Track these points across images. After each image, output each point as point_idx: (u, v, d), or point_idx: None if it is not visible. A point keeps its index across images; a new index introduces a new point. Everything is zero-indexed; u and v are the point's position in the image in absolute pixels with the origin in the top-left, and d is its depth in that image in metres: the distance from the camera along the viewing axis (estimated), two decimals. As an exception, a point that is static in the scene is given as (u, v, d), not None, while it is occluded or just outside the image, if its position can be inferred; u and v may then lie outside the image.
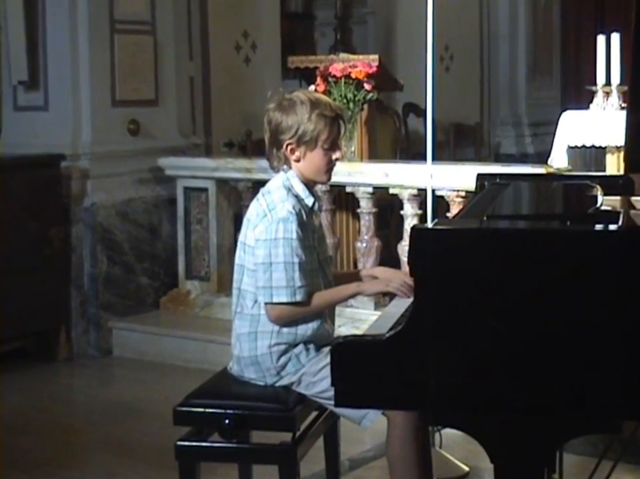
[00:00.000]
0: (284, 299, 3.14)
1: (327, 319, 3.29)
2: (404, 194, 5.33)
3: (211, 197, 6.05)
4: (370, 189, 5.49)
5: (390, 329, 2.69)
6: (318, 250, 3.27)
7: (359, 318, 5.34)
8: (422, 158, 4.51)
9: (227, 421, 3.11)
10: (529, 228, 2.65)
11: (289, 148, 3.21)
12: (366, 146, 5.84)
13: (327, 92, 5.49)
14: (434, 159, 4.28)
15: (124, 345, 5.96)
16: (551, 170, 5.08)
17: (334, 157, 3.24)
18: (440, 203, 5.04)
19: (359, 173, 5.46)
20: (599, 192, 3.08)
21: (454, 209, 5.03)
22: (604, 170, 5.57)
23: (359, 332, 4.20)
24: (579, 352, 2.41)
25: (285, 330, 3.20)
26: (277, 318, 3.18)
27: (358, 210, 5.60)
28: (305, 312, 3.18)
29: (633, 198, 3.30)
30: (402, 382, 2.50)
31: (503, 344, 2.44)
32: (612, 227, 2.55)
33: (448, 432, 3.99)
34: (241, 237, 3.29)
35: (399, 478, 3.11)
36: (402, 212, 5.39)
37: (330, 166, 3.26)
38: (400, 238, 5.41)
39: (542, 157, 6.57)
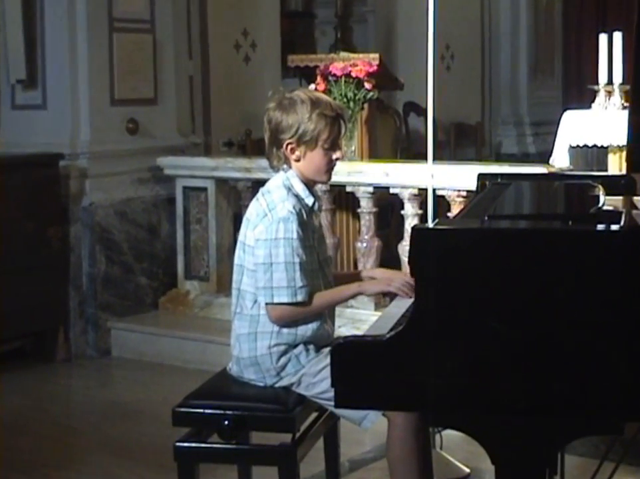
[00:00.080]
0: (285, 300, 3.13)
1: (327, 320, 3.28)
2: (405, 194, 5.32)
3: (210, 196, 6.04)
4: (370, 189, 5.48)
5: (391, 330, 2.69)
6: (318, 250, 3.27)
7: (359, 318, 5.33)
8: (423, 157, 4.50)
9: (226, 422, 3.10)
10: (530, 228, 2.64)
11: (289, 147, 3.20)
12: (366, 146, 5.82)
13: (327, 91, 5.48)
14: (434, 158, 4.28)
15: (122, 346, 5.95)
16: (552, 170, 5.08)
17: (334, 157, 3.23)
18: (441, 203, 5.04)
19: (359, 173, 5.45)
20: (600, 192, 3.08)
21: (455, 209, 5.02)
22: (606, 170, 5.56)
23: (359, 332, 4.19)
24: (580, 353, 2.41)
25: (284, 330, 3.19)
26: (278, 318, 3.17)
27: (359, 210, 5.58)
28: (306, 312, 3.17)
29: (635, 198, 3.30)
30: (403, 383, 2.50)
31: (504, 345, 2.44)
32: (614, 227, 2.54)
33: (448, 433, 3.98)
34: (240, 237, 3.28)
35: (399, 479, 3.10)
36: (402, 212, 5.38)
37: (330, 166, 3.25)
38: (401, 238, 5.40)
39: (544, 156, 6.56)
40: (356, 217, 5.72)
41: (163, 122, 6.31)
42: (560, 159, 5.62)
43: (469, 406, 2.49)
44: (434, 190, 4.39)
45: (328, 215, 5.59)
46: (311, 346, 3.22)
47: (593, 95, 5.84)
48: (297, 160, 3.21)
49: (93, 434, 4.73)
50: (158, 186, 6.26)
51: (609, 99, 5.72)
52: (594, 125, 5.58)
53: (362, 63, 5.62)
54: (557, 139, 5.73)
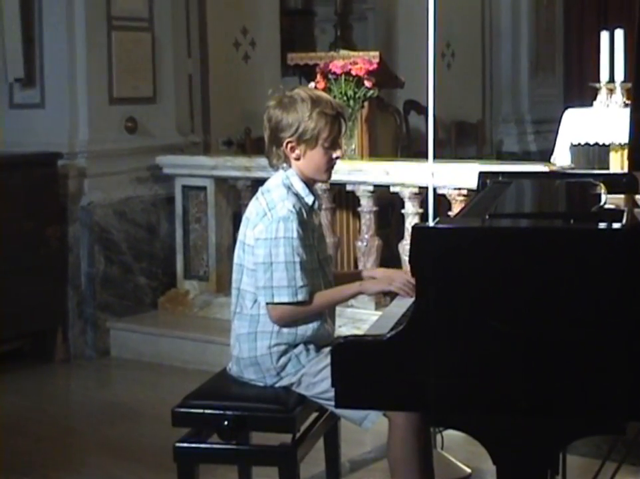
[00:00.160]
0: (285, 299, 3.13)
1: (327, 319, 3.28)
2: (405, 192, 5.32)
3: (209, 195, 6.03)
4: (370, 188, 5.47)
5: (391, 329, 2.69)
6: (318, 249, 3.27)
7: (360, 318, 5.32)
8: (423, 155, 4.49)
9: (226, 422, 3.10)
10: (531, 227, 2.64)
11: (289, 146, 3.20)
12: (366, 144, 5.82)
13: (327, 90, 5.47)
14: (435, 157, 4.27)
15: (121, 346, 5.94)
16: (554, 168, 5.08)
17: (334, 155, 3.23)
18: (442, 201, 5.04)
19: (359, 172, 5.44)
20: (602, 190, 3.08)
21: (456, 208, 5.01)
22: (607, 168, 5.55)
23: (360, 332, 4.20)
24: (581, 352, 2.40)
25: (284, 330, 3.19)
26: (278, 318, 3.17)
27: (359, 209, 5.58)
28: (306, 312, 3.17)
29: (637, 196, 3.28)
30: (404, 383, 2.50)
31: (505, 344, 2.43)
32: (616, 225, 2.53)
33: (449, 433, 3.98)
34: (240, 236, 3.28)
35: (400, 480, 3.09)
36: (403, 211, 5.38)
37: (330, 165, 3.25)
38: (401, 237, 5.40)
39: (545, 155, 6.55)
40: (357, 216, 5.72)
41: (162, 121, 6.30)
42: (561, 158, 5.60)
43: (470, 406, 2.48)
44: (434, 189, 4.39)
45: (329, 214, 5.58)
46: (311, 346, 3.21)
47: (595, 93, 5.83)
48: (297, 159, 3.21)
49: (92, 434, 4.72)
50: (157, 185, 6.25)
51: (610, 97, 5.71)
52: (595, 123, 5.57)
53: (362, 61, 5.61)
54: (558, 137, 5.72)
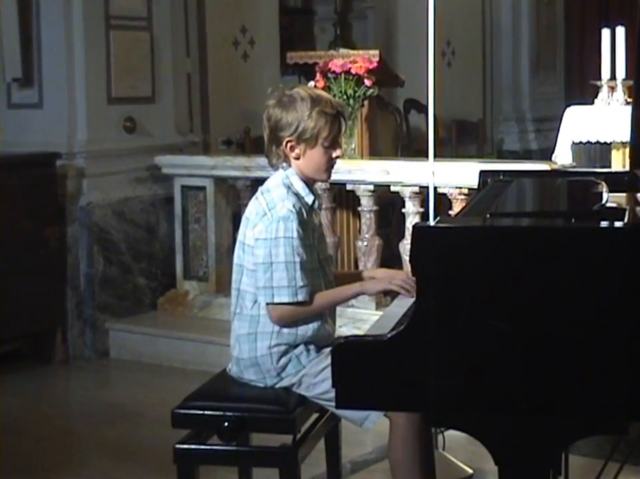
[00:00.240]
0: (285, 299, 3.12)
1: (328, 319, 3.28)
2: (406, 192, 5.31)
3: (209, 195, 6.02)
4: (370, 187, 5.46)
5: (392, 329, 2.68)
6: (318, 249, 3.26)
7: (360, 318, 5.31)
8: (424, 154, 4.47)
9: (226, 423, 3.10)
10: (533, 226, 2.63)
11: (289, 145, 3.19)
12: (366, 143, 5.82)
13: (327, 88, 5.46)
14: (435, 156, 4.26)
15: (121, 347, 5.93)
16: (555, 167, 5.07)
17: (334, 155, 3.23)
18: (442, 200, 5.03)
19: (360, 171, 5.43)
20: (604, 189, 3.06)
21: (457, 207, 5.01)
22: (609, 166, 5.55)
23: (360, 332, 4.20)
24: (583, 352, 2.40)
25: (285, 331, 3.18)
26: (278, 318, 3.16)
27: (359, 208, 5.57)
28: (307, 312, 3.17)
29: (639, 195, 3.25)
30: (404, 383, 2.50)
31: (506, 344, 2.43)
32: (618, 224, 2.53)
33: (451, 433, 3.98)
34: (240, 237, 3.27)
35: (402, 481, 3.09)
36: (403, 210, 5.37)
37: (330, 164, 3.25)
38: (402, 236, 5.39)
39: (546, 153, 6.56)
40: (357, 215, 5.71)
41: (161, 121, 6.29)
42: (562, 156, 5.61)
43: (471, 406, 2.48)
44: (435, 188, 4.37)
45: (329, 213, 5.58)
46: (312, 347, 3.21)
47: (596, 91, 5.84)
48: (297, 158, 3.21)
49: (91, 435, 4.72)
50: (156, 185, 6.24)
51: (611, 95, 5.71)
52: (597, 121, 5.58)
53: (362, 60, 5.60)
54: (559, 135, 5.73)
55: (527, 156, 8.91)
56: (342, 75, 5.59)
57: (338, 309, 3.58)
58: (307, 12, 9.77)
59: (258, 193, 3.26)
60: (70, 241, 5.88)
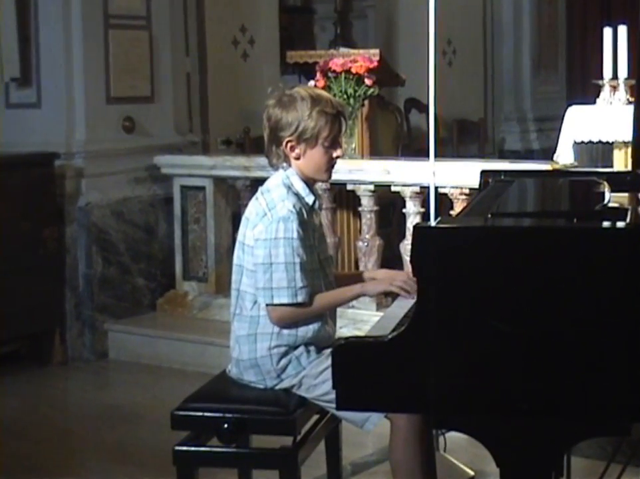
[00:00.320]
0: (285, 300, 3.12)
1: (328, 320, 3.27)
2: (406, 192, 5.30)
3: (208, 196, 6.01)
4: (371, 187, 5.46)
5: (393, 330, 2.68)
6: (318, 250, 3.26)
7: (361, 319, 5.31)
8: (425, 154, 4.46)
9: (226, 425, 3.09)
10: (534, 226, 2.63)
11: (289, 145, 3.19)
12: (367, 143, 5.82)
13: (327, 88, 5.45)
14: (436, 155, 4.25)
15: (119, 348, 5.92)
16: (556, 166, 5.06)
17: (334, 155, 3.22)
18: (443, 200, 5.02)
19: (360, 171, 5.43)
20: (606, 189, 3.06)
21: (458, 207, 5.01)
22: (611, 166, 5.55)
23: (361, 333, 4.19)
24: (585, 353, 2.39)
25: (285, 332, 3.18)
26: (278, 319, 3.16)
27: (360, 208, 5.56)
28: (306, 313, 3.16)
29: (641, 195, 3.25)
30: (405, 385, 2.49)
31: (507, 345, 2.42)
32: (620, 224, 2.52)
33: (452, 435, 3.98)
34: (239, 237, 3.27)
35: (402, 483, 3.08)
36: (404, 210, 5.36)
37: (330, 164, 3.24)
38: (403, 237, 5.38)
39: (547, 153, 6.56)
40: (357, 215, 5.70)
41: (160, 120, 6.28)
42: (564, 156, 5.61)
43: (472, 408, 2.47)
44: (436, 188, 4.36)
45: (329, 214, 5.57)
46: (312, 348, 3.20)
47: (598, 90, 5.83)
48: (297, 158, 3.20)
49: (90, 438, 4.71)
50: (155, 185, 6.23)
51: (613, 94, 5.71)
52: (599, 120, 5.58)
53: (363, 59, 5.60)
54: (561, 135, 5.73)
55: (528, 155, 8.92)
56: (343, 74, 5.58)
57: (339, 310, 3.58)
58: (307, 11, 9.77)
59: (258, 194, 3.25)
60: (69, 242, 5.87)
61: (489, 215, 2.73)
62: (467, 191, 4.98)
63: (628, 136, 5.20)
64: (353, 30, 8.87)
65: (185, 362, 5.56)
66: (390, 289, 3.23)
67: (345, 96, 5.52)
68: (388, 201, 6.00)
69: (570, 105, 5.95)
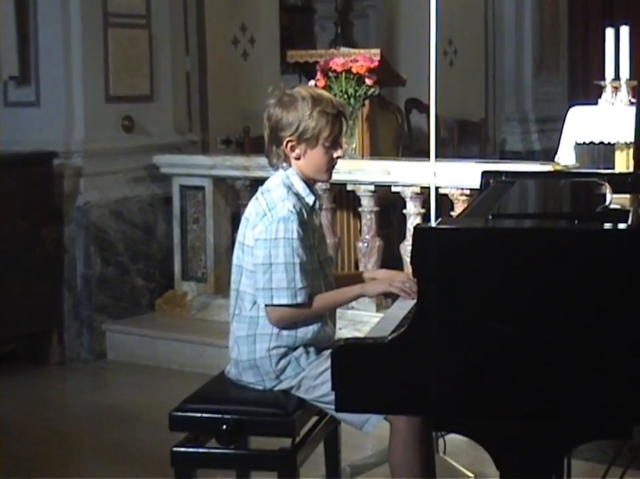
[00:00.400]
0: (284, 301, 3.11)
1: (328, 321, 3.27)
2: (407, 192, 5.29)
3: (208, 195, 6.00)
4: (371, 187, 5.45)
5: (393, 332, 2.69)
6: (318, 250, 3.25)
7: (361, 320, 5.30)
8: (425, 155, 4.45)
9: (224, 426, 3.09)
10: (535, 227, 2.63)
11: (289, 145, 3.18)
12: (367, 143, 5.81)
13: (327, 88, 5.44)
14: (437, 156, 4.23)
15: (118, 348, 5.91)
16: (558, 167, 5.05)
17: (335, 155, 3.22)
18: (444, 201, 5.02)
19: (360, 171, 5.42)
20: (607, 190, 3.06)
21: (458, 208, 5.00)
22: (613, 167, 5.57)
23: (361, 334, 4.18)
24: (586, 355, 2.39)
25: (284, 333, 3.17)
26: (277, 320, 3.15)
27: (360, 209, 5.55)
28: (306, 314, 3.15)
29: (643, 196, 3.25)
30: (405, 386, 2.49)
31: (508, 347, 2.41)
32: (621, 225, 2.51)
33: (452, 437, 3.95)
34: (239, 237, 3.26)
35: (402, 484, 3.08)
36: (404, 211, 5.36)
37: (331, 164, 3.24)
38: (403, 237, 5.37)
39: (549, 154, 6.57)
40: (357, 216, 5.70)
41: (159, 120, 6.28)
42: (566, 157, 5.62)
43: (472, 410, 2.47)
44: (436, 188, 4.35)
45: (329, 214, 5.56)
46: (311, 349, 3.20)
47: (600, 91, 5.84)
48: (297, 158, 3.20)
49: (88, 439, 4.71)
50: (154, 185, 6.22)
51: (615, 95, 5.71)
52: (600, 121, 5.59)
53: (363, 59, 5.59)
54: (562, 136, 5.74)
55: (529, 156, 8.94)
56: (343, 74, 5.57)
57: (339, 311, 3.58)
58: (307, 11, 9.78)
59: (258, 194, 3.25)
60: (67, 242, 5.86)
61: (490, 217, 2.73)
62: (468, 192, 4.97)
63: (630, 137, 5.22)
64: (354, 30, 8.88)
65: (184, 362, 5.55)
66: (390, 289, 3.23)
67: (346, 96, 5.51)
68: (389, 202, 6.00)
69: (572, 106, 5.95)
